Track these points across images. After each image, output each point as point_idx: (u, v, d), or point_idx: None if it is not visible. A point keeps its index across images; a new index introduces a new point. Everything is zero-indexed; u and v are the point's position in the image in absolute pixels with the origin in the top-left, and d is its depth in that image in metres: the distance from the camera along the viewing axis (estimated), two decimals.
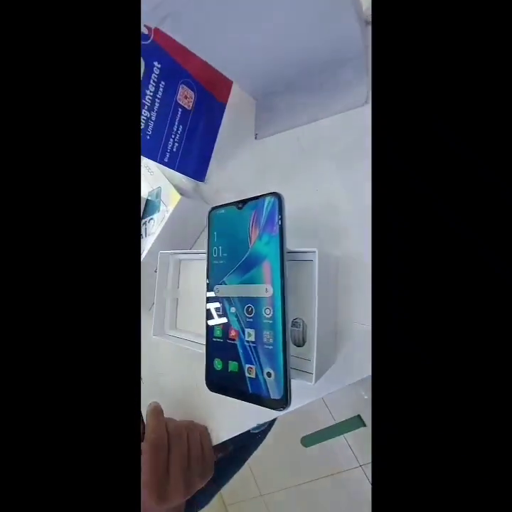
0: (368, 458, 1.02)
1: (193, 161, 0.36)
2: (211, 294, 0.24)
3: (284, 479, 1.18)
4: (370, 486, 1.01)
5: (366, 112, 0.27)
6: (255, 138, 0.34)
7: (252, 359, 0.21)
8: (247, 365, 0.21)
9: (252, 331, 0.21)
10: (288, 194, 0.31)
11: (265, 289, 0.21)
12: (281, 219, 0.22)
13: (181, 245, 0.36)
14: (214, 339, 0.24)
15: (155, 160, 0.32)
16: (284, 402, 0.20)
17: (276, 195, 0.22)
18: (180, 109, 0.33)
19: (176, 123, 0.33)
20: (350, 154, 0.28)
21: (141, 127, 0.30)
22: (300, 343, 0.24)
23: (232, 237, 0.24)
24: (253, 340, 0.21)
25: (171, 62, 0.31)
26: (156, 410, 0.30)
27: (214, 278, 0.24)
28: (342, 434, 1.07)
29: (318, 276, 0.21)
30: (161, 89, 0.31)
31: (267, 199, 0.22)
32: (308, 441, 1.13)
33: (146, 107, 0.30)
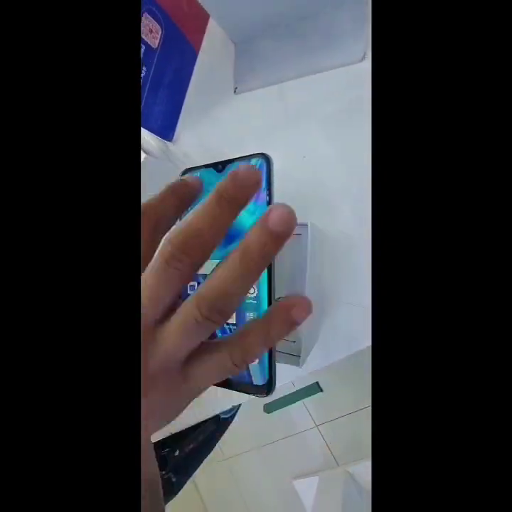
0: (322, 419, 1.11)
1: (159, 114, 0.31)
2: None
3: (247, 443, 1.25)
4: (324, 443, 1.11)
5: (364, 68, 0.24)
6: (234, 92, 0.30)
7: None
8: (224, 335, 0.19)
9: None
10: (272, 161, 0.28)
11: None
12: (270, 186, 0.19)
13: None
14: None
15: None
16: (267, 388, 0.18)
17: (264, 156, 0.19)
18: (143, 46, 0.27)
19: (140, 64, 0.27)
20: (343, 118, 0.25)
21: None
22: None
23: None
24: (234, 322, 0.19)
25: None
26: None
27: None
28: (301, 399, 1.14)
29: (310, 251, 0.19)
30: None
31: (253, 161, 0.19)
32: (270, 407, 1.19)
33: None
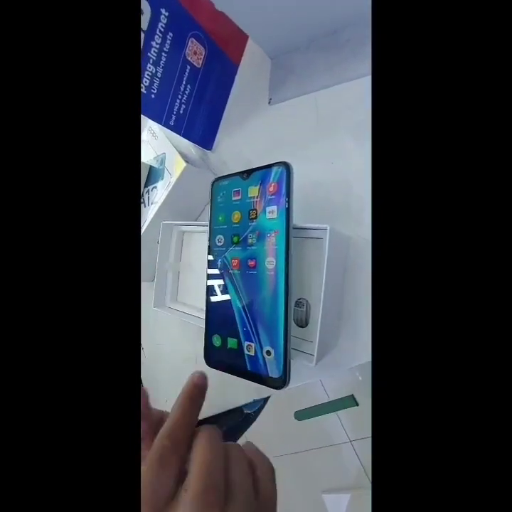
0: (358, 434, 1.06)
1: (200, 126, 0.34)
2: (213, 270, 0.23)
3: (276, 448, 1.25)
4: (357, 460, 1.05)
5: None
6: (269, 103, 0.32)
7: (252, 337, 0.20)
8: (247, 343, 0.21)
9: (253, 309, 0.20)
10: (301, 166, 0.29)
11: (269, 262, 0.20)
12: (289, 192, 0.20)
13: (185, 217, 0.35)
14: (213, 315, 0.23)
15: (159, 122, 0.30)
16: (282, 380, 0.19)
17: (285, 164, 0.20)
18: (188, 66, 0.30)
19: (184, 82, 0.30)
20: (370, 125, 0.25)
21: (146, 84, 0.28)
22: (302, 324, 0.24)
23: (236, 206, 0.22)
24: (254, 318, 0.21)
25: (181, 10, 0.28)
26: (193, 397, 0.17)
27: (216, 252, 0.23)
28: (334, 411, 1.10)
29: (327, 256, 0.20)
30: (168, 42, 0.28)
31: (275, 169, 0.21)
32: (301, 415, 1.17)
33: (151, 61, 0.27)
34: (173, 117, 0.31)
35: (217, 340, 0.23)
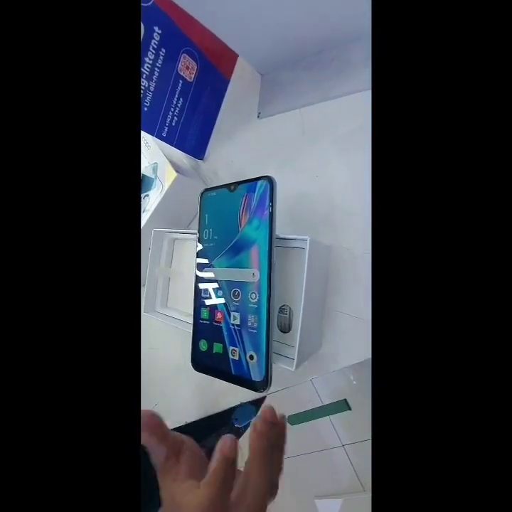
0: (350, 439, 1.06)
1: (192, 137, 0.35)
2: (200, 277, 0.24)
3: None
4: (349, 464, 1.06)
5: None
6: (258, 117, 0.33)
7: (236, 342, 0.21)
8: (231, 347, 0.22)
9: (237, 315, 0.21)
10: (287, 178, 0.31)
11: (252, 274, 0.21)
12: (272, 204, 0.21)
13: (176, 224, 0.36)
14: (201, 321, 0.24)
15: (152, 134, 0.31)
16: (264, 384, 0.20)
17: (269, 179, 0.22)
18: (181, 81, 0.31)
19: (176, 95, 0.31)
20: (354, 140, 0.27)
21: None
22: (286, 329, 0.25)
23: (223, 219, 0.23)
24: (238, 323, 0.21)
25: (173, 27, 0.29)
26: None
27: (203, 260, 0.24)
28: (327, 415, 1.11)
29: (307, 265, 0.21)
30: (161, 57, 0.29)
31: (260, 183, 0.22)
32: (294, 419, 1.18)
33: (144, 75, 0.29)
34: (166, 129, 0.32)
35: (203, 345, 0.23)
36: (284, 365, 0.22)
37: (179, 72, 0.31)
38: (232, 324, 0.22)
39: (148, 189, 0.34)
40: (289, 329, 0.25)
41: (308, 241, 0.22)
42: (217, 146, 0.36)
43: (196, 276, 0.25)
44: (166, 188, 0.32)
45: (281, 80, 0.31)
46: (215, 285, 0.23)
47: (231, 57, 0.34)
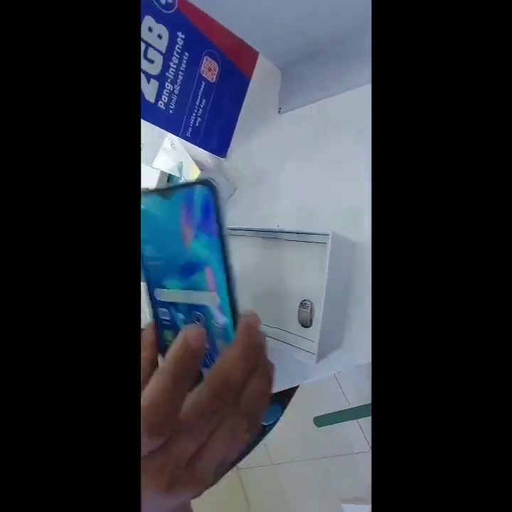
0: None
1: (215, 136, 0.36)
2: (157, 299, 0.20)
3: (295, 452, 1.24)
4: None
5: None
6: (279, 112, 0.33)
7: (208, 364, 0.19)
8: (205, 369, 0.18)
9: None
10: (309, 171, 0.30)
11: (212, 297, 0.18)
12: (219, 217, 0.17)
13: None
14: (167, 343, 0.20)
15: (177, 134, 0.33)
16: None
17: (208, 184, 0.17)
18: (203, 82, 0.32)
19: (199, 97, 0.33)
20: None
21: (164, 101, 0.30)
22: (307, 324, 0.25)
23: (163, 232, 0.19)
24: (207, 347, 0.18)
25: (196, 31, 0.30)
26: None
27: (152, 280, 0.20)
28: (355, 418, 1.08)
29: (329, 262, 0.21)
30: (184, 61, 0.30)
31: (197, 189, 0.17)
32: (320, 421, 1.16)
33: (169, 79, 0.30)
34: (190, 129, 0.33)
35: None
36: (304, 358, 0.22)
37: (202, 74, 0.32)
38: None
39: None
40: (310, 324, 0.24)
41: (330, 237, 0.21)
42: (239, 144, 0.37)
43: (151, 298, 0.20)
44: None
45: (301, 73, 0.31)
46: (174, 308, 0.20)
47: (252, 55, 0.35)
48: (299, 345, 0.23)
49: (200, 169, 0.33)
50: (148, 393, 0.14)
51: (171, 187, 0.18)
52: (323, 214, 0.28)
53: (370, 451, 1.04)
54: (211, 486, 0.16)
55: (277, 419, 0.60)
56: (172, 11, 0.28)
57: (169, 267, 0.19)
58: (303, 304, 0.25)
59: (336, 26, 0.27)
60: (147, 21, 0.27)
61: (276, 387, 0.24)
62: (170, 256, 0.19)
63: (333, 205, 0.28)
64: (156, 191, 0.19)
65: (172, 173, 0.36)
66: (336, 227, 0.25)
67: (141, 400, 0.14)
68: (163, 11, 0.28)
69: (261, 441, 0.61)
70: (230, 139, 0.37)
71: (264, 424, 0.60)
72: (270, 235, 0.27)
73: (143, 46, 0.28)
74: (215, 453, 0.14)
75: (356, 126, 0.27)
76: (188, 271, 0.18)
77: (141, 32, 0.27)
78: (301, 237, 0.24)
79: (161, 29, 0.28)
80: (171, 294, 0.19)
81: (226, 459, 0.15)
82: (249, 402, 0.15)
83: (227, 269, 0.17)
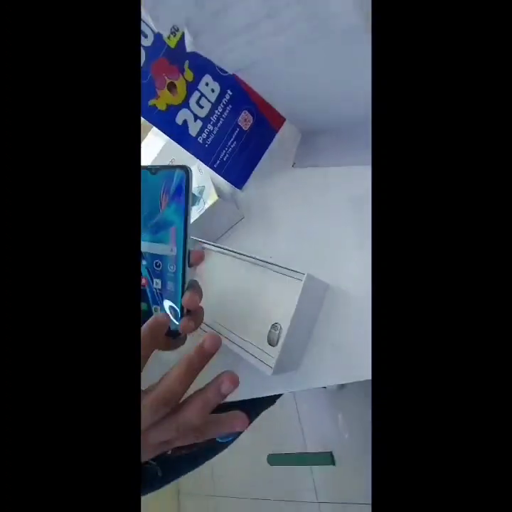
0: (328, 497, 1.00)
1: (237, 171, 0.43)
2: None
3: (240, 487, 1.19)
4: None
5: None
6: (292, 166, 0.40)
7: (158, 301, 0.27)
8: (154, 306, 0.27)
9: (159, 281, 0.27)
10: (306, 216, 0.36)
11: (171, 249, 0.26)
12: (187, 191, 0.25)
13: (206, 238, 0.43)
14: None
15: (207, 164, 0.39)
16: (177, 333, 0.26)
17: (185, 169, 0.24)
18: (238, 129, 0.40)
19: (232, 139, 0.40)
20: (368, 202, 0.32)
21: (203, 137, 0.37)
22: (273, 344, 0.29)
23: (145, 198, 0.25)
24: (159, 287, 0.27)
25: (241, 91, 0.38)
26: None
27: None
28: (309, 465, 1.06)
29: (299, 297, 0.26)
30: (227, 111, 0.38)
31: (177, 172, 0.25)
32: (274, 460, 1.13)
33: (211, 122, 0.37)
34: (218, 162, 0.40)
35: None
36: (262, 368, 0.26)
37: (238, 122, 0.39)
38: (155, 288, 0.27)
39: (193, 205, 0.41)
40: (276, 344, 0.29)
41: (305, 276, 0.27)
42: (255, 182, 0.44)
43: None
44: (207, 206, 0.40)
45: (317, 141, 0.38)
46: (141, 256, 0.27)
47: (281, 118, 0.42)
48: (261, 358, 0.28)
49: (218, 196, 0.39)
50: (169, 378, 0.20)
51: (157, 166, 0.26)
52: (308, 256, 0.34)
53: (317, 503, 1.01)
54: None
55: (232, 439, 0.60)
56: (228, 74, 0.36)
57: (145, 224, 0.27)
58: (274, 326, 0.30)
59: (352, 110, 0.34)
60: (206, 78, 0.35)
61: (235, 397, 0.28)
62: (146, 215, 0.26)
63: (318, 251, 0.33)
64: (147, 168, 0.26)
65: (194, 193, 0.43)
66: (316, 268, 0.30)
67: (163, 381, 0.20)
68: (221, 73, 0.36)
69: (209, 461, 0.60)
70: (249, 176, 0.44)
71: (219, 440, 0.60)
72: (256, 262, 0.33)
73: (197, 94, 0.35)
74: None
75: (350, 196, 0.34)
76: (158, 227, 0.26)
77: (200, 85, 0.35)
78: (282, 270, 0.29)
79: (215, 85, 0.36)
80: (142, 244, 0.27)
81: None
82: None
83: (185, 229, 0.25)
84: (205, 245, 0.40)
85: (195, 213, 0.41)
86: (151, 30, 0.29)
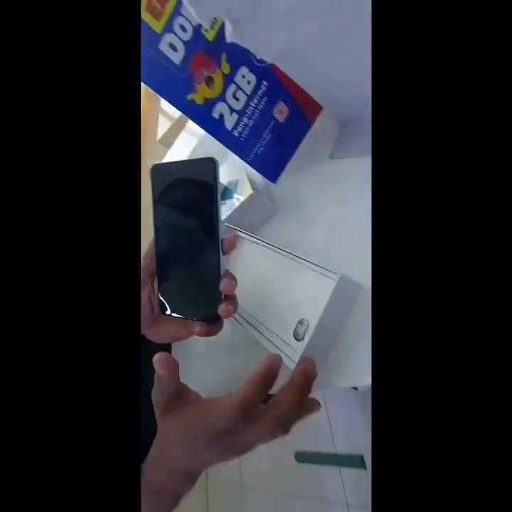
0: (358, 500, 0.97)
1: (271, 165, 0.42)
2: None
3: (267, 481, 1.21)
4: None
5: None
6: (329, 157, 0.38)
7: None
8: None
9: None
10: (347, 213, 0.34)
11: None
12: (215, 182, 0.25)
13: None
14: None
15: (242, 158, 0.39)
16: (217, 316, 0.27)
17: (211, 160, 0.25)
18: (273, 121, 0.39)
19: (267, 132, 0.39)
20: None
21: (239, 130, 0.37)
22: (299, 338, 0.29)
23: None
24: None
25: (278, 82, 0.37)
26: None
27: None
28: (338, 466, 1.03)
29: (328, 301, 0.25)
30: (262, 103, 0.37)
31: (204, 162, 0.25)
32: (301, 457, 1.12)
33: (247, 115, 0.37)
34: (253, 155, 0.40)
35: None
36: (287, 363, 0.26)
37: (274, 114, 0.39)
38: None
39: (227, 198, 0.42)
40: (301, 339, 0.28)
41: (338, 276, 0.26)
42: (290, 174, 0.43)
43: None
44: (241, 199, 0.40)
45: (355, 131, 0.36)
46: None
47: (317, 108, 0.41)
48: (286, 351, 0.27)
49: (253, 190, 0.39)
50: (244, 392, 0.22)
51: (185, 161, 0.27)
52: (343, 253, 0.32)
53: (346, 506, 0.99)
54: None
55: None
56: (264, 65, 0.35)
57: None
58: (301, 321, 0.29)
59: None
60: (242, 70, 0.35)
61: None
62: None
63: (354, 249, 0.32)
64: (174, 163, 0.27)
65: (227, 186, 0.43)
66: (351, 268, 0.28)
67: (238, 392, 0.22)
68: (257, 64, 0.35)
69: None
70: (283, 170, 0.43)
71: None
72: (290, 256, 0.32)
73: (234, 87, 0.35)
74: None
75: None
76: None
77: (236, 77, 0.35)
78: (315, 267, 0.28)
79: (251, 77, 0.35)
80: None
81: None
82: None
83: (217, 218, 0.25)
84: (239, 233, 0.40)
85: (229, 207, 0.41)
86: (190, 23, 0.29)
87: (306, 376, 0.24)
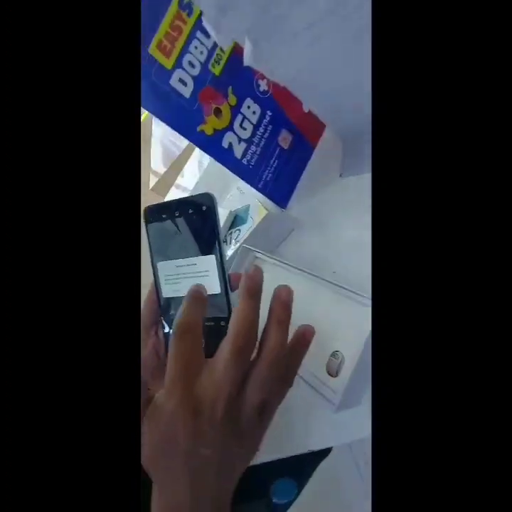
0: None
1: (280, 190, 0.42)
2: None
3: None
4: None
5: None
6: (340, 176, 0.38)
7: None
8: None
9: None
10: (364, 231, 0.33)
11: None
12: (216, 221, 0.22)
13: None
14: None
15: (251, 185, 0.39)
16: None
17: (208, 195, 0.22)
18: (278, 148, 0.39)
19: (273, 158, 0.39)
20: None
21: (247, 159, 0.37)
22: (333, 374, 0.25)
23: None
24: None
25: (280, 112, 0.38)
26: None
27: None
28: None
29: (371, 332, 0.23)
30: (268, 132, 0.38)
31: (202, 198, 0.22)
32: None
33: (254, 143, 0.37)
34: (262, 182, 0.40)
35: None
36: (323, 407, 0.22)
37: (278, 142, 0.39)
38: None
39: (240, 225, 0.41)
40: (337, 375, 0.25)
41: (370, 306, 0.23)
42: (302, 196, 0.42)
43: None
44: (257, 221, 0.39)
45: (360, 148, 0.36)
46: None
47: (319, 130, 0.41)
48: (322, 391, 0.24)
49: (266, 210, 0.39)
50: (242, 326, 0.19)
51: (181, 199, 0.23)
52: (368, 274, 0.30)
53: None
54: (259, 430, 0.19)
55: (292, 500, 0.51)
56: (267, 95, 0.36)
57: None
58: (334, 354, 0.26)
59: None
60: (247, 101, 0.35)
61: (278, 453, 0.24)
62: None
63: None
64: (169, 202, 0.24)
65: (238, 214, 0.42)
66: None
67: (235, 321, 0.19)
68: (260, 95, 0.36)
69: None
70: (292, 194, 0.43)
71: (277, 502, 0.51)
72: (315, 279, 0.29)
73: (240, 117, 0.36)
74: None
75: None
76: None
77: (242, 108, 0.35)
78: (346, 292, 0.26)
79: (256, 107, 0.36)
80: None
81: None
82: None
83: (221, 252, 0.22)
84: (258, 255, 0.38)
85: (244, 231, 0.40)
86: (198, 60, 0.30)
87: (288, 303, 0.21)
